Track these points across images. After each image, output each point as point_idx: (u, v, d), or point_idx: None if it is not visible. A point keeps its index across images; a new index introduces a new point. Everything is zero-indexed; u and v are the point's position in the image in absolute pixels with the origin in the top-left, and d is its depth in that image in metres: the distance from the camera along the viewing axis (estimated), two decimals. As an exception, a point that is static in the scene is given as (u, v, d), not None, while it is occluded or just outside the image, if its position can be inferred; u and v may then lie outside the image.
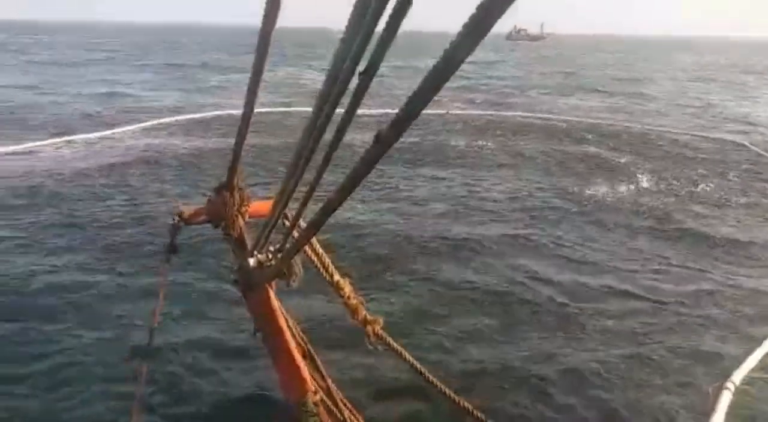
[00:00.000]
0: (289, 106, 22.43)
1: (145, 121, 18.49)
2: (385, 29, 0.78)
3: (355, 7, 0.80)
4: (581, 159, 15.35)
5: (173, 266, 2.99)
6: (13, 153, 13.92)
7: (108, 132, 16.78)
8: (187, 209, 2.69)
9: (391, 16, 0.76)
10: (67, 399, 5.15)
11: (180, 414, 5.05)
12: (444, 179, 13.18)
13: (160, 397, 5.17)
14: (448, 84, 0.82)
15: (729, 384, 5.49)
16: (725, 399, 5.30)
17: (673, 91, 34.95)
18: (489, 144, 16.86)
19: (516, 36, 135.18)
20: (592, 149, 16.65)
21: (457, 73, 0.78)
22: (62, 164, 13.03)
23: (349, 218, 9.73)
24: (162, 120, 19.07)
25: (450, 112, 21.61)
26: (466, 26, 0.74)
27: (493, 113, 23.24)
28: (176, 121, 19.27)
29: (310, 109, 1.22)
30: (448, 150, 16.01)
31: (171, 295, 6.24)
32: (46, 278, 7.42)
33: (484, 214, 10.73)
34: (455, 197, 11.75)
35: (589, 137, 18.44)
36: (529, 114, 22.94)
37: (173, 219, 2.70)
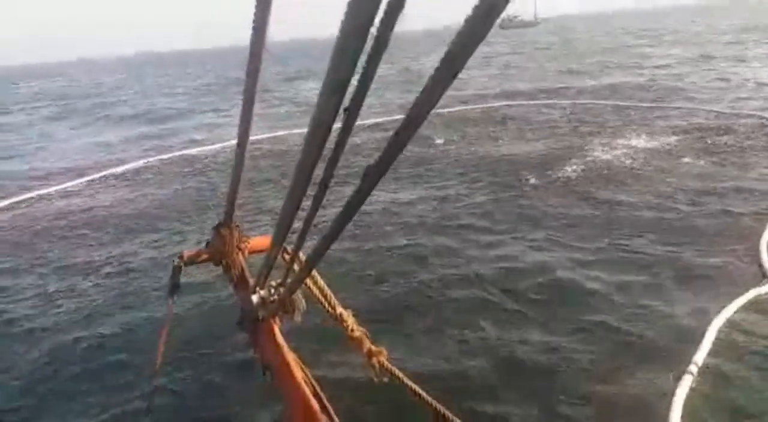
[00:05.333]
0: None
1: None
2: (365, 67, 0.83)
3: (337, 48, 0.86)
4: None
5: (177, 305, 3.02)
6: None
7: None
8: (189, 252, 2.75)
9: (370, 55, 0.82)
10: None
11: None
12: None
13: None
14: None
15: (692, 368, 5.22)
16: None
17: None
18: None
19: (509, 24, 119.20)
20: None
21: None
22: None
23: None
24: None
25: None
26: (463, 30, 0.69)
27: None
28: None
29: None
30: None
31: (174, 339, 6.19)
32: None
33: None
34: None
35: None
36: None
37: (174, 261, 2.77)
